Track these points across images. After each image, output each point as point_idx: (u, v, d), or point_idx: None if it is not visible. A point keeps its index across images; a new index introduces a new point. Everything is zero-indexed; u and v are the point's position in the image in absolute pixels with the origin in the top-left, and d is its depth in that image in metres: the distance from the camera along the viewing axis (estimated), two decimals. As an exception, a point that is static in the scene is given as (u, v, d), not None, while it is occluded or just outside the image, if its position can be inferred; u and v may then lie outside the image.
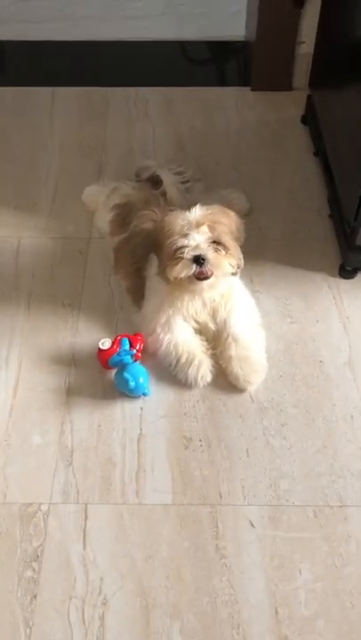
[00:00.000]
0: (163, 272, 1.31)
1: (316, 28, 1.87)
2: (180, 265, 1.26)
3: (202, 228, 1.26)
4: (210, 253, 1.26)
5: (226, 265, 1.29)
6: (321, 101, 1.83)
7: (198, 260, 1.26)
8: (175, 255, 1.26)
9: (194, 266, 1.26)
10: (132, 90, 2.16)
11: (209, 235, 1.27)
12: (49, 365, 1.44)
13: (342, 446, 1.30)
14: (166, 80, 2.19)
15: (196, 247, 1.26)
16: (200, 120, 2.05)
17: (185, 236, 1.26)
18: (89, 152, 1.95)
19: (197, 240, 1.26)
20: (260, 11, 1.95)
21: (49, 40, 2.35)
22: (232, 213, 1.34)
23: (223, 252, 1.28)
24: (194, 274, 1.27)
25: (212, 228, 1.27)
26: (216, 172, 1.87)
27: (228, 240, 1.29)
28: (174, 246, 1.26)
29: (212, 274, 1.28)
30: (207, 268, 1.27)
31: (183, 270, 1.27)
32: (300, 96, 2.04)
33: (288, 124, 2.02)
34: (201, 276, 1.28)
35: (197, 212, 1.28)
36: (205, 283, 1.30)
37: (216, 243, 1.27)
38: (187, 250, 1.26)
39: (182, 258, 1.26)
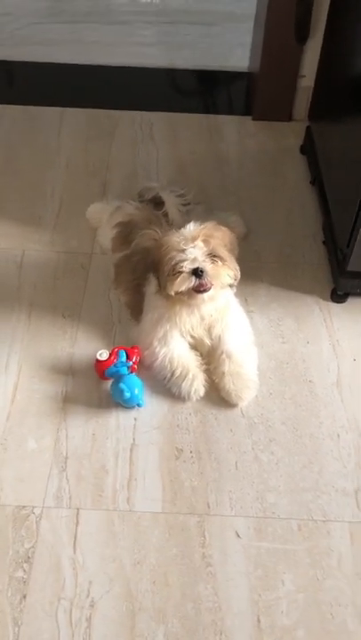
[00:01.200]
0: (163, 289, 1.35)
1: (318, 64, 1.95)
2: (180, 279, 1.30)
3: (197, 242, 1.31)
4: (207, 265, 1.31)
5: (224, 275, 1.34)
6: (319, 133, 1.90)
7: (197, 273, 1.30)
8: (174, 270, 1.30)
9: (193, 278, 1.30)
10: (137, 113, 2.22)
11: (204, 248, 1.31)
12: (47, 374, 1.47)
13: (328, 463, 1.34)
14: (171, 106, 2.26)
15: (194, 260, 1.30)
16: (202, 146, 2.12)
17: (182, 251, 1.31)
18: (94, 171, 2.01)
19: (194, 254, 1.30)
20: (265, 44, 2.02)
21: (60, 62, 2.43)
22: (224, 228, 1.38)
23: (220, 263, 1.32)
24: (193, 287, 1.31)
25: (206, 242, 1.32)
26: (216, 196, 1.93)
27: (223, 251, 1.33)
28: (173, 262, 1.30)
29: (211, 286, 1.32)
30: (206, 279, 1.31)
31: (183, 284, 1.31)
32: (299, 127, 2.11)
33: (287, 153, 2.08)
34: (201, 289, 1.32)
35: (192, 227, 1.34)
36: (206, 295, 1.34)
37: (212, 255, 1.32)
38: (185, 263, 1.30)
39: (181, 272, 1.30)
